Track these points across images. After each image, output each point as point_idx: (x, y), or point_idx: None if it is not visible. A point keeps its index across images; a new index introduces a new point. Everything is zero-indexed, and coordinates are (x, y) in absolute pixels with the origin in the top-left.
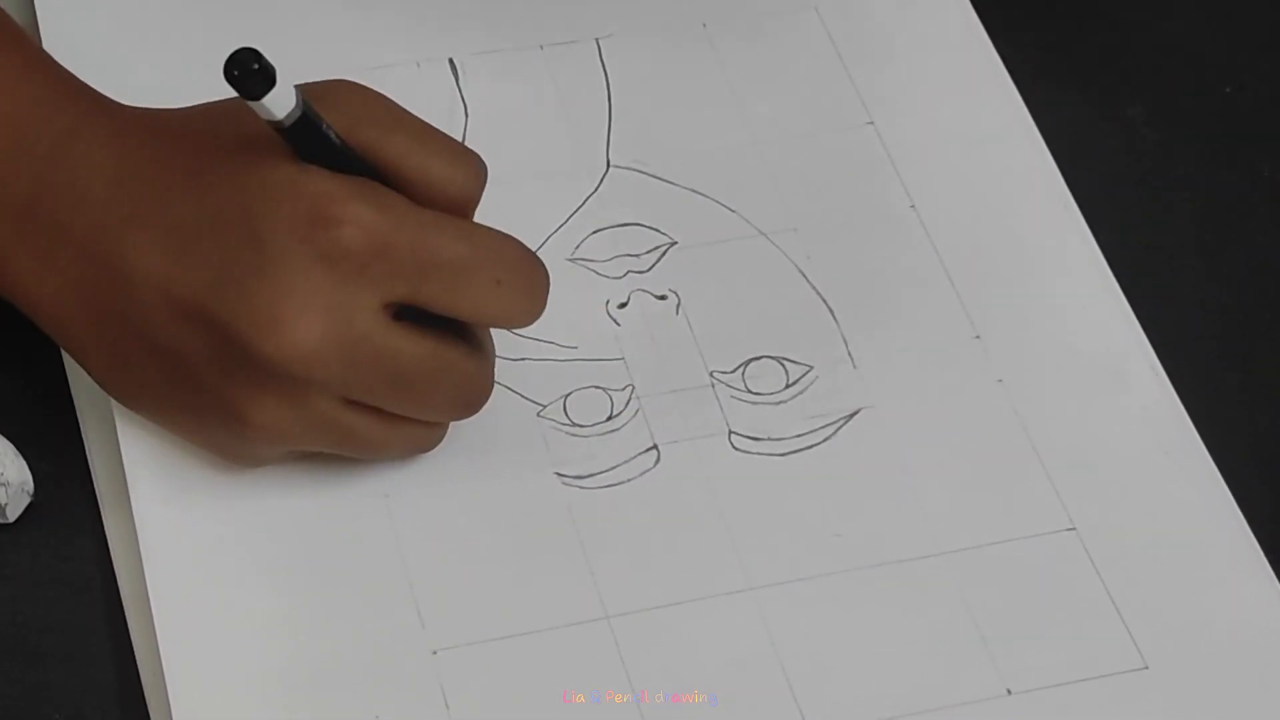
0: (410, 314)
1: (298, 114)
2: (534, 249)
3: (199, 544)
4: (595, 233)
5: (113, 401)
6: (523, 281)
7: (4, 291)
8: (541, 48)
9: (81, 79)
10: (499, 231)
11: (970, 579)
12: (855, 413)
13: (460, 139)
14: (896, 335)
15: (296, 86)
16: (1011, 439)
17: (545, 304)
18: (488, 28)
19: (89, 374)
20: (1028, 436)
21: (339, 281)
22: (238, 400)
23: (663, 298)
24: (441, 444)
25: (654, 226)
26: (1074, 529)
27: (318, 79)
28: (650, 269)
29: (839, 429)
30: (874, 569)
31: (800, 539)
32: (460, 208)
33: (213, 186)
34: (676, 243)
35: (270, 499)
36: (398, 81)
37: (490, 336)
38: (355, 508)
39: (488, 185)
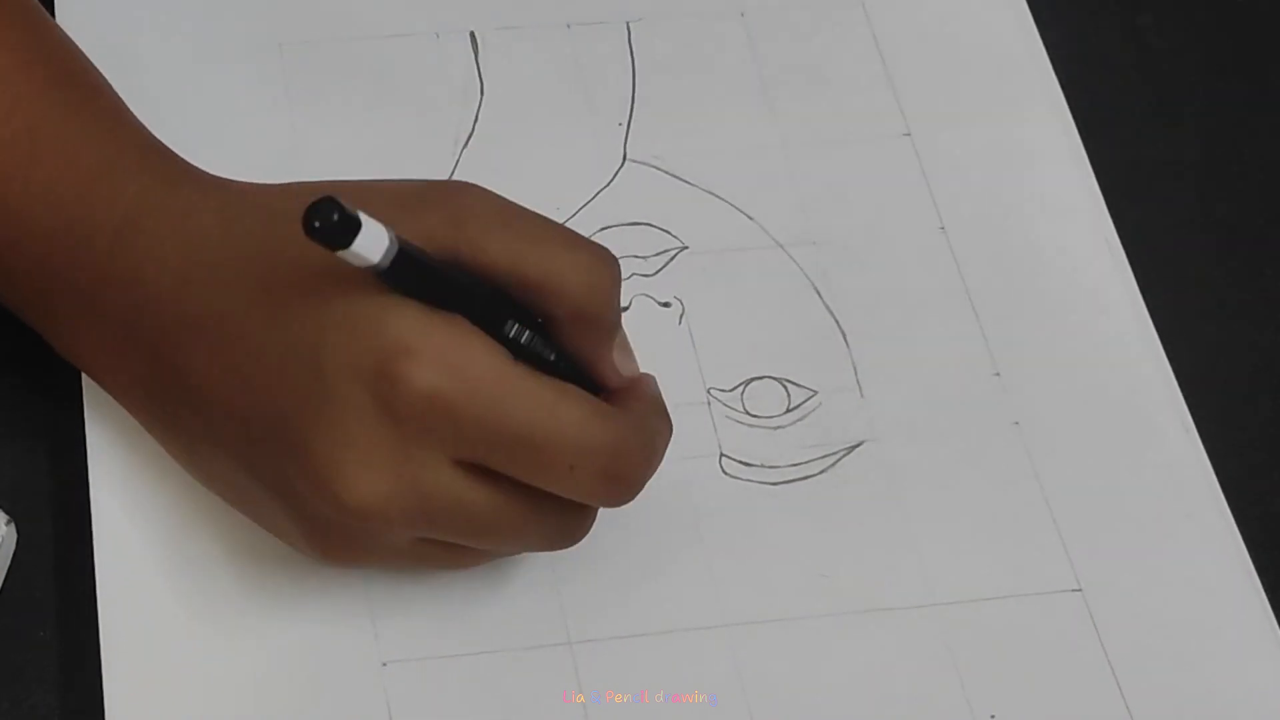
0: None
1: (392, 253)
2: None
3: (149, 540)
4: (603, 230)
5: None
6: (601, 472)
7: (68, 356)
8: (569, 26)
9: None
10: (595, 409)
11: (961, 635)
12: (857, 445)
13: (473, 118)
14: (910, 366)
15: (369, 202)
16: (1022, 488)
17: (631, 493)
18: (514, 1)
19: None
20: (1040, 486)
21: (404, 438)
22: (307, 525)
23: (666, 305)
24: None
25: (665, 228)
26: (1079, 590)
27: (333, 45)
28: (656, 273)
29: (838, 461)
30: (858, 615)
31: (783, 576)
32: (590, 309)
33: (284, 308)
34: (687, 247)
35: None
36: (413, 52)
37: None
38: None
39: (495, 168)
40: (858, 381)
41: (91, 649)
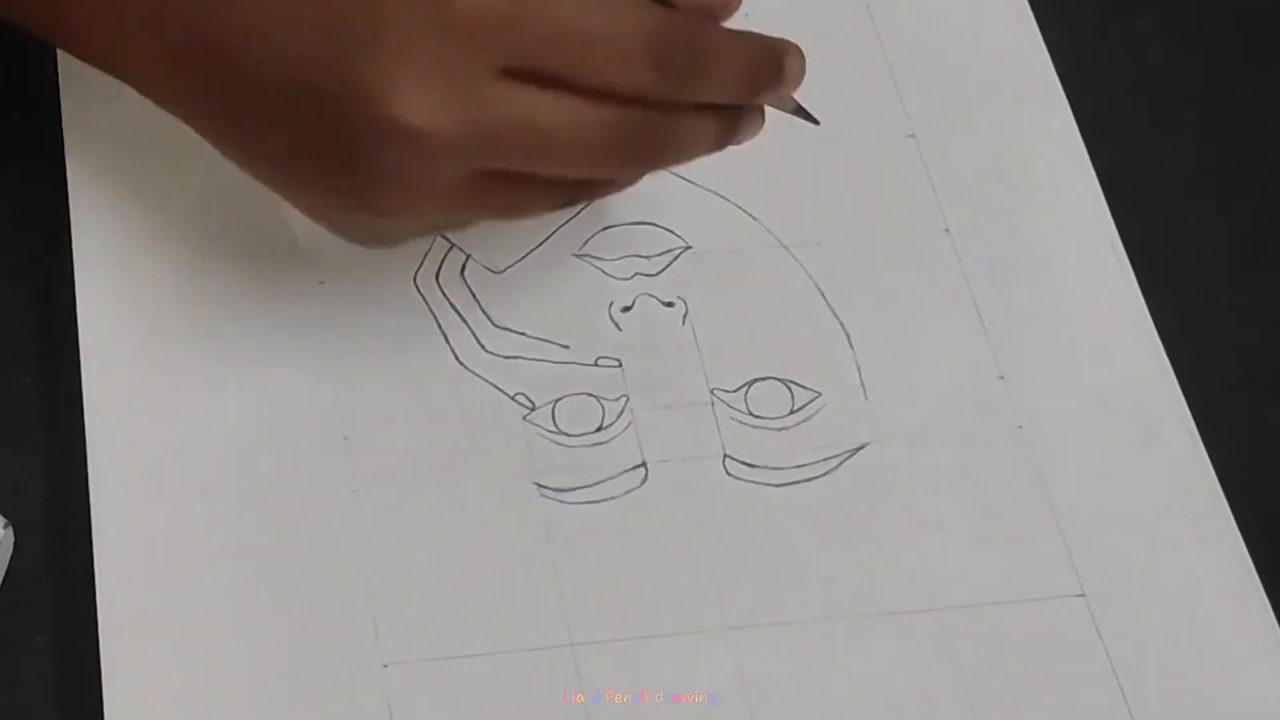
0: None
1: None
2: (539, 241)
3: (148, 542)
4: (606, 229)
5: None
6: (652, 53)
7: (93, 62)
8: None
9: None
10: (658, 5)
11: (965, 639)
12: (861, 447)
13: None
14: (914, 368)
15: None
16: (1026, 491)
17: (697, 79)
18: None
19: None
20: (1044, 491)
21: (458, 50)
22: (364, 183)
23: (670, 305)
24: (420, 443)
25: (668, 228)
26: (1083, 595)
27: None
28: (660, 273)
29: (842, 463)
30: (862, 619)
31: (787, 579)
32: None
33: None
34: (691, 247)
35: (233, 495)
36: None
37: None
38: (322, 504)
39: None
40: (862, 383)
41: (90, 651)
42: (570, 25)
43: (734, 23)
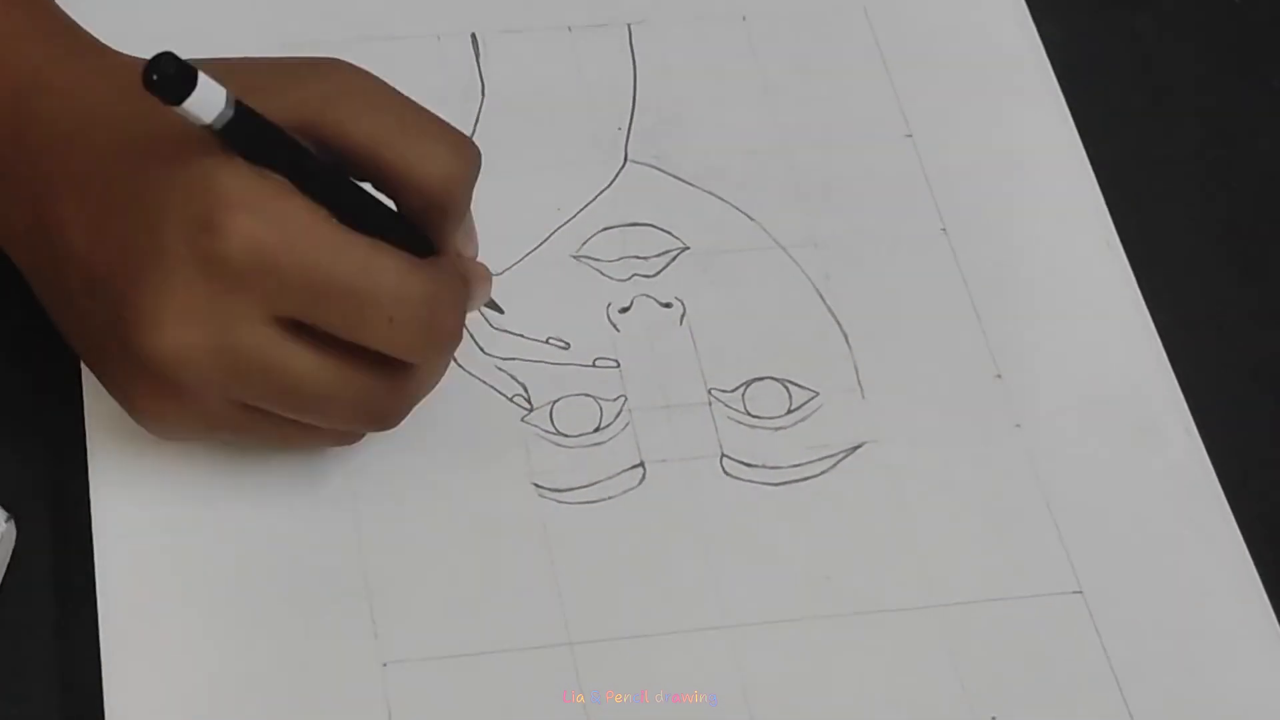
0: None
1: (227, 117)
2: (538, 242)
3: (148, 539)
4: (604, 230)
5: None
6: (419, 322)
7: None
8: (570, 29)
9: (73, 20)
10: (410, 264)
11: (963, 636)
12: (858, 446)
13: (474, 119)
14: (912, 367)
15: (238, 72)
16: (1023, 490)
17: (449, 344)
18: (516, 3)
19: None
20: (1041, 489)
21: (220, 292)
22: (132, 382)
23: (667, 305)
24: (419, 444)
25: (666, 229)
26: (1080, 592)
27: (333, 43)
28: (658, 274)
29: (839, 462)
30: (860, 616)
31: (786, 577)
32: (444, 198)
33: (141, 168)
34: (689, 248)
35: (233, 494)
36: (415, 53)
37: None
38: (322, 503)
39: (496, 170)
40: (859, 382)
41: (91, 648)
42: (336, 282)
43: (732, 25)
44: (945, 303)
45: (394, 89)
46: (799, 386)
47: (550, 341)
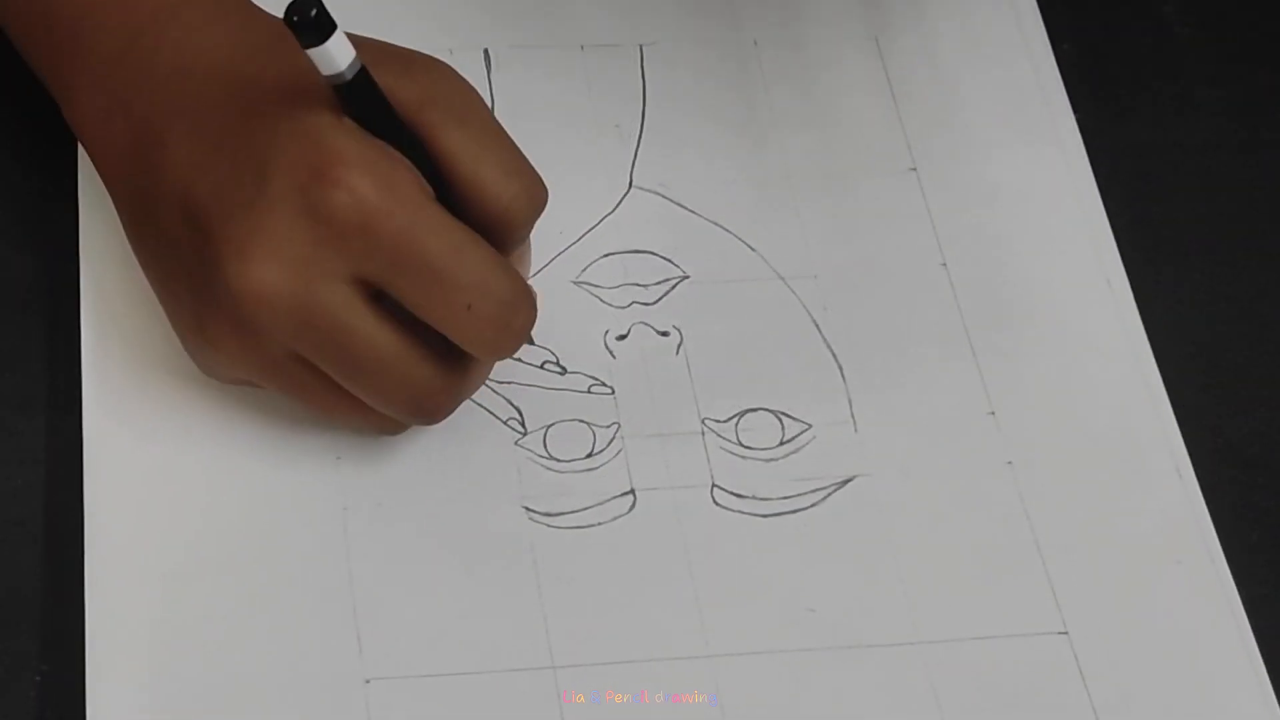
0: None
1: (349, 74)
2: (539, 267)
3: (137, 549)
4: (605, 256)
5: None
6: (495, 318)
7: (70, 121)
8: (582, 48)
9: None
10: (499, 260)
11: (945, 674)
12: (849, 480)
13: None
14: (905, 401)
15: (362, 47)
16: (1013, 528)
17: (514, 347)
18: (529, 20)
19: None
20: (1031, 527)
21: (314, 241)
22: (203, 311)
23: (665, 334)
24: (411, 463)
25: (667, 257)
26: (1066, 634)
27: None
28: (656, 302)
29: (829, 495)
30: (844, 651)
31: (770, 609)
32: (501, 225)
33: (258, 112)
34: (688, 277)
35: (221, 507)
36: None
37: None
38: (312, 520)
39: None
40: (852, 415)
41: (78, 656)
42: (428, 257)
43: (744, 50)
44: (942, 337)
45: (486, 106)
46: (792, 418)
47: (546, 366)
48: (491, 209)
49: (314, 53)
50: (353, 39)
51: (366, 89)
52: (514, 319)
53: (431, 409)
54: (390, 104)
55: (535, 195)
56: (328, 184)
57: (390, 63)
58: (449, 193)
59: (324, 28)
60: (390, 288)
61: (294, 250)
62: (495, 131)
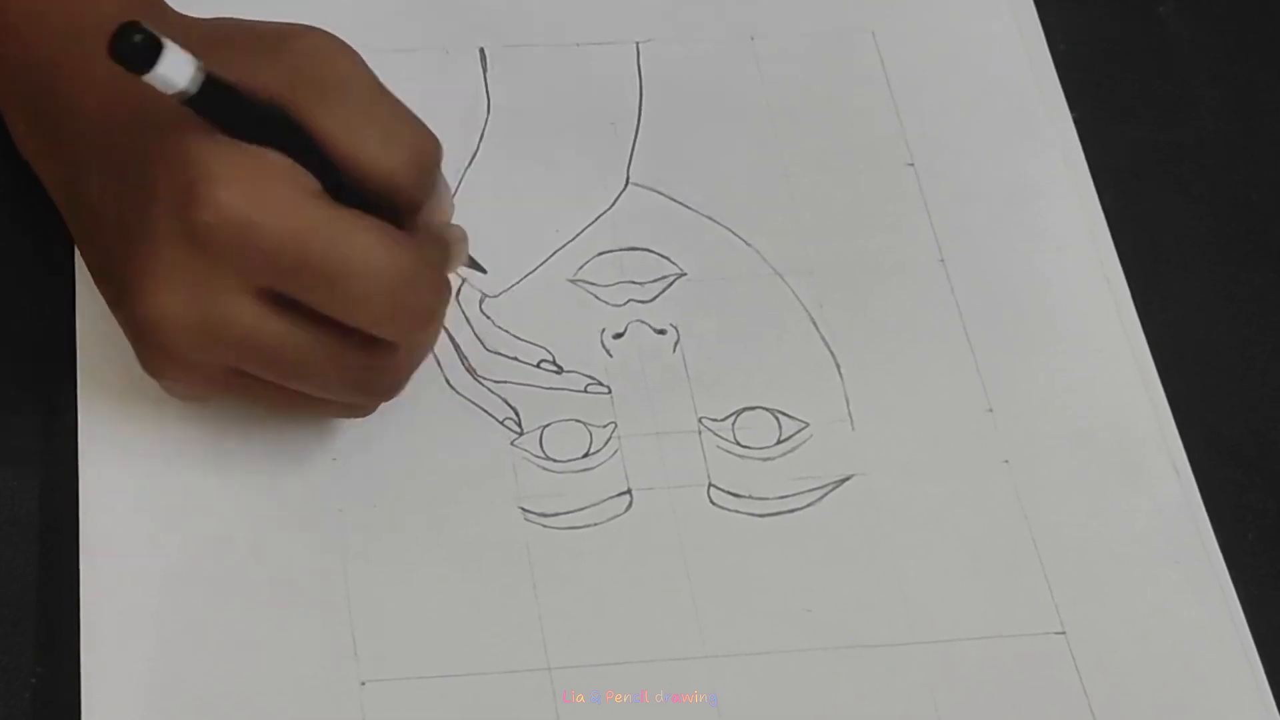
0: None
1: (193, 89)
2: (535, 265)
3: (132, 552)
4: (601, 254)
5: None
6: (390, 302)
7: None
8: (578, 45)
9: None
10: (386, 243)
11: (942, 673)
12: (846, 479)
13: (479, 135)
14: (903, 399)
15: (224, 39)
16: (1010, 527)
17: (424, 324)
18: (524, 19)
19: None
20: (1028, 526)
21: (203, 263)
22: (135, 343)
23: (662, 332)
24: (407, 463)
25: (664, 254)
26: (1063, 633)
27: None
28: (653, 299)
29: (826, 494)
30: (841, 651)
31: (767, 610)
32: (392, 195)
33: (141, 140)
34: (685, 274)
35: (216, 509)
36: (421, 67)
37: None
38: (308, 522)
39: (498, 189)
40: (849, 414)
41: (72, 660)
42: (312, 257)
43: (740, 45)
44: (939, 334)
45: (362, 71)
46: (789, 417)
47: (542, 365)
48: (377, 181)
49: (147, 79)
50: (218, 25)
51: (218, 97)
52: (410, 298)
53: (381, 389)
54: (251, 103)
55: (422, 155)
56: (197, 206)
57: (256, 48)
58: (342, 172)
59: (150, 51)
60: (287, 291)
61: (186, 276)
62: (371, 99)
